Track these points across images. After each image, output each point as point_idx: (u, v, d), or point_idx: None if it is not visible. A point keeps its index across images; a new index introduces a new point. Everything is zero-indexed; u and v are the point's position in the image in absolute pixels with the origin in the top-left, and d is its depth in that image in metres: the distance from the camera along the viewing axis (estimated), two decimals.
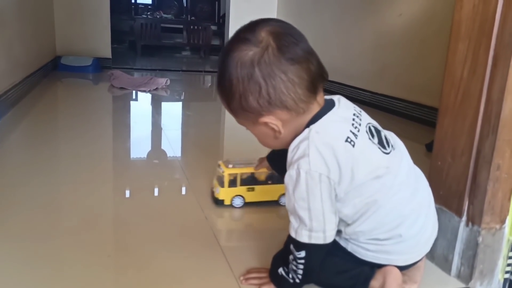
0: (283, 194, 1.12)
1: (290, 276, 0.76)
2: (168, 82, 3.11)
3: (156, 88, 2.98)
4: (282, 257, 0.78)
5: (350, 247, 0.77)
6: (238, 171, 1.13)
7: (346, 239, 0.77)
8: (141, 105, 2.72)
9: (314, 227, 0.71)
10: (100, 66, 3.61)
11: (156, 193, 1.24)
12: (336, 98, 0.77)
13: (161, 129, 2.05)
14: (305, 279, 0.75)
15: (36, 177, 1.29)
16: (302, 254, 0.72)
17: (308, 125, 0.72)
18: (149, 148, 1.77)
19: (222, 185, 1.12)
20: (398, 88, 2.46)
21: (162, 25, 5.55)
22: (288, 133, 0.74)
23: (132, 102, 2.76)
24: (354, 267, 0.77)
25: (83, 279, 0.81)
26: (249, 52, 0.68)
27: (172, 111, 2.65)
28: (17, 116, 1.98)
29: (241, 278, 0.82)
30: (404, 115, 2.33)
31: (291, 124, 0.73)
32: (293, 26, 0.72)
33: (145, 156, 1.64)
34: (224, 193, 1.13)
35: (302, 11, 3.63)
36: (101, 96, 2.87)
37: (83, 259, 0.87)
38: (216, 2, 6.47)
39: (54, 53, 3.52)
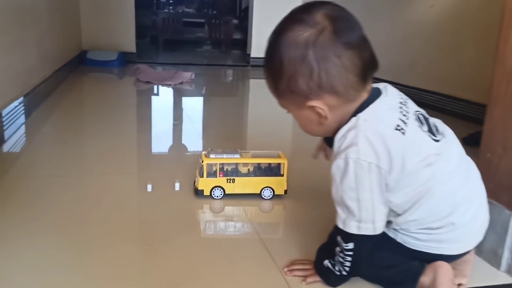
0: (266, 187, 1.12)
1: (337, 268, 0.75)
2: (193, 76, 3.12)
3: (181, 82, 2.98)
4: (327, 249, 0.77)
5: (399, 238, 0.75)
6: (217, 160, 1.09)
7: (395, 230, 0.76)
8: (166, 99, 2.73)
9: (363, 218, 0.69)
10: (125, 60, 3.64)
11: (186, 186, 1.24)
12: (382, 85, 0.75)
13: (187, 122, 2.05)
14: (352, 271, 0.74)
15: (67, 168, 1.30)
16: (350, 245, 0.71)
17: (355, 113, 0.71)
18: (180, 141, 1.78)
19: (201, 175, 1.10)
20: (429, 80, 2.41)
21: (184, 19, 5.56)
22: (333, 120, 0.72)
23: (157, 96, 2.77)
24: (403, 261, 0.75)
25: (131, 266, 0.81)
26: (304, 33, 0.67)
27: (197, 105, 2.65)
28: (47, 109, 2.01)
29: (285, 269, 0.81)
30: (436, 108, 2.28)
31: (338, 111, 0.71)
32: (349, 12, 0.70)
33: (173, 149, 1.64)
34: (203, 183, 1.10)
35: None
36: (127, 90, 2.89)
37: (126, 247, 0.88)
38: None
39: (80, 48, 3.56)
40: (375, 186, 0.69)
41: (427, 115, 0.77)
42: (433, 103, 2.32)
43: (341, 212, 0.72)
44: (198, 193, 1.10)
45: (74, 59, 3.23)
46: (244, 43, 5.26)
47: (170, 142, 1.74)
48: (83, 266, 0.81)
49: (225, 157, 1.10)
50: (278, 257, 0.86)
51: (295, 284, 0.78)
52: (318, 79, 0.67)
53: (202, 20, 5.80)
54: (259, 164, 1.12)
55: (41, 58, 2.18)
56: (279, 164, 1.12)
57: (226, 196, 1.11)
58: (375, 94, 0.73)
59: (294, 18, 0.69)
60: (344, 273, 0.74)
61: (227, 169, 1.11)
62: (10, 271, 0.78)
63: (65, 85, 2.61)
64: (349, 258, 0.72)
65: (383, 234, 0.74)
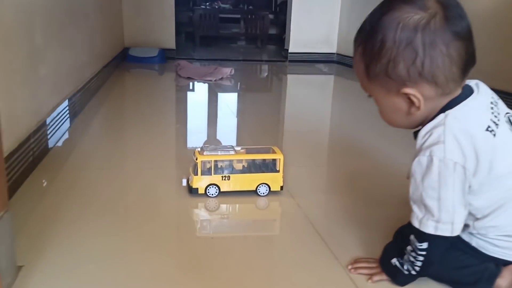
0: (262, 184, 1.10)
1: (405, 267, 0.74)
2: (233, 71, 3.13)
3: (221, 78, 3.00)
4: (395, 247, 0.76)
5: (475, 242, 0.74)
6: (212, 158, 1.07)
7: (470, 234, 0.74)
8: (205, 94, 2.75)
9: (443, 218, 0.68)
10: (165, 57, 3.70)
11: None
12: (474, 83, 0.72)
13: (225, 117, 2.07)
14: (422, 271, 0.73)
15: (109, 162, 1.34)
16: (424, 245, 0.70)
17: (443, 109, 0.69)
18: (215, 136, 1.79)
19: (195, 173, 1.07)
20: (481, 75, 2.33)
21: (220, 15, 5.59)
22: (423, 113, 0.69)
23: (196, 92, 2.80)
24: (478, 262, 0.73)
25: (192, 258, 0.83)
26: (415, 16, 0.64)
27: (235, 100, 2.66)
28: (96, 104, 2.07)
29: (349, 267, 0.81)
30: None
31: (430, 104, 0.68)
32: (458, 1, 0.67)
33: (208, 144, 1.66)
34: (197, 181, 1.07)
35: None
36: (167, 85, 2.94)
37: (183, 240, 0.89)
38: None
39: (123, 45, 3.64)
40: (458, 187, 0.67)
41: None
42: None
43: (417, 211, 0.70)
44: (193, 191, 1.07)
45: (118, 55, 3.31)
46: (279, 38, 5.26)
47: (206, 137, 1.76)
48: (149, 256, 0.83)
49: (219, 154, 1.08)
50: (340, 255, 0.85)
51: (361, 282, 0.78)
52: (421, 66, 0.65)
53: (238, 16, 5.81)
54: (254, 160, 1.11)
55: (91, 55, 2.24)
56: (274, 159, 1.11)
57: (221, 193, 1.09)
58: (467, 91, 0.70)
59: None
60: (413, 272, 0.73)
61: (221, 166, 1.09)
62: (82, 261, 0.81)
63: (111, 81, 2.68)
64: (421, 258, 0.71)
65: (459, 237, 0.72)
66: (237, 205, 1.08)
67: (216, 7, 6.03)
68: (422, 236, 0.70)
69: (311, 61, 4.07)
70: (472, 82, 0.72)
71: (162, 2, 3.79)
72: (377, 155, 1.48)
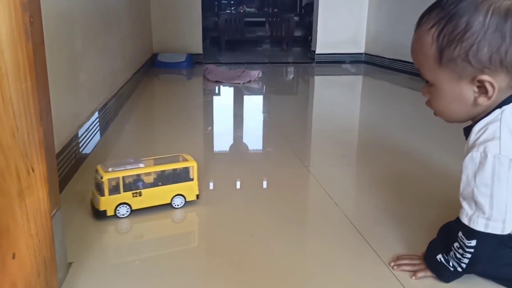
0: (177, 195, 1.02)
1: (451, 264, 0.73)
2: (260, 74, 3.15)
3: (249, 81, 3.02)
4: (441, 244, 0.75)
5: None
6: (120, 174, 0.96)
7: None
8: (233, 98, 2.77)
9: (494, 216, 0.67)
10: (192, 61, 3.75)
11: (275, 181, 1.26)
12: None
13: (252, 120, 2.08)
14: (469, 269, 0.72)
15: None
16: (473, 243, 0.69)
17: (499, 105, 0.68)
18: (241, 140, 1.80)
19: (102, 193, 0.95)
20: None
21: (245, 19, 5.63)
22: (489, 104, 0.68)
23: (224, 95, 2.82)
24: None
25: (236, 256, 0.84)
26: (506, 1, 0.63)
27: (263, 103, 2.67)
28: (129, 108, 2.12)
29: (392, 264, 0.80)
30: None
31: (499, 95, 0.67)
32: None
33: (234, 148, 1.67)
34: (105, 203, 0.95)
35: None
36: (195, 89, 2.98)
37: (224, 240, 0.91)
38: None
39: (152, 51, 3.72)
40: (510, 186, 0.65)
41: None
42: None
43: (467, 207, 0.69)
44: (100, 214, 0.95)
45: (148, 61, 3.38)
46: (305, 40, 5.25)
47: (232, 141, 1.77)
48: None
49: (127, 168, 0.97)
50: (382, 252, 0.85)
51: (404, 279, 0.77)
52: (504, 54, 0.63)
53: (263, 19, 5.84)
54: (164, 171, 1.00)
55: (124, 62, 2.30)
56: (187, 168, 1.03)
57: (133, 212, 0.99)
58: None
59: None
60: (459, 269, 0.72)
61: (129, 181, 0.97)
62: (126, 257, 0.83)
63: (142, 87, 2.74)
64: (468, 255, 0.70)
65: (510, 234, 0.70)
66: (151, 223, 0.98)
67: (241, 11, 6.08)
68: (472, 233, 0.69)
69: (338, 62, 4.05)
70: None
71: (189, 8, 3.85)
72: (411, 154, 1.46)
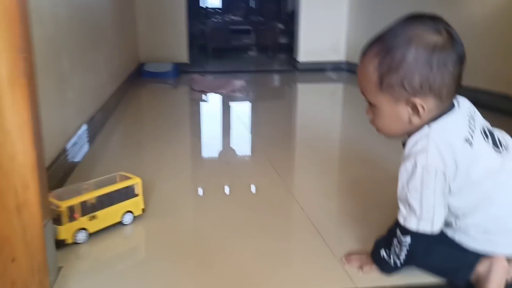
0: (126, 212, 1.07)
1: (392, 258, 0.84)
2: (244, 83, 3.27)
3: (233, 90, 3.14)
4: (385, 241, 0.87)
5: (458, 238, 0.84)
6: (77, 200, 0.98)
7: (454, 230, 0.84)
8: (217, 107, 2.88)
9: (424, 217, 0.79)
10: (179, 71, 3.85)
11: (246, 187, 1.37)
12: (455, 99, 0.83)
13: (237, 128, 2.19)
14: (406, 262, 0.84)
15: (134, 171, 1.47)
16: (408, 239, 0.81)
17: (428, 123, 0.80)
18: (229, 146, 1.92)
19: (59, 222, 0.95)
20: (482, 79, 2.41)
21: (231, 27, 5.76)
22: (420, 122, 0.79)
23: (209, 104, 2.93)
24: (460, 254, 0.83)
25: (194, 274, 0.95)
26: (433, 37, 0.74)
27: (247, 111, 2.79)
28: (116, 120, 2.22)
29: (343, 259, 0.92)
30: (489, 107, 2.27)
31: (429, 115, 0.79)
32: None
33: (223, 154, 1.78)
34: (66, 231, 0.96)
35: (375, 4, 3.62)
36: (181, 99, 3.08)
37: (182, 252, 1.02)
38: (281, 0, 6.57)
39: (138, 61, 3.82)
40: (438, 191, 0.77)
41: (491, 128, 0.85)
42: (487, 102, 2.31)
43: (403, 209, 0.81)
44: (60, 244, 0.95)
45: (134, 72, 3.48)
46: (289, 47, 5.39)
47: (220, 147, 1.88)
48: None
49: (83, 193, 1.00)
50: (336, 250, 0.97)
51: (352, 272, 0.89)
52: (433, 81, 0.75)
53: (249, 27, 5.97)
54: (116, 190, 1.05)
55: (109, 75, 2.41)
56: (133, 185, 1.09)
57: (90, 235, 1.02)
58: (449, 106, 0.81)
59: (423, 22, 0.76)
60: (398, 263, 0.84)
61: (87, 206, 1.00)
62: (112, 263, 0.94)
63: (128, 97, 2.83)
64: (405, 251, 0.82)
65: (442, 233, 0.82)
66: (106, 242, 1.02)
67: (227, 19, 6.20)
68: (406, 231, 0.81)
69: (320, 70, 4.18)
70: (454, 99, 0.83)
71: (174, 18, 3.96)
72: (379, 161, 1.58)
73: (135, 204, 1.10)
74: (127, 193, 1.08)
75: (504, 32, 2.27)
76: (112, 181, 1.09)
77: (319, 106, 2.78)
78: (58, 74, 1.43)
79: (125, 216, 1.07)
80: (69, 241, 0.98)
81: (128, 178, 1.11)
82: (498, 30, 2.31)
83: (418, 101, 0.77)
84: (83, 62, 1.79)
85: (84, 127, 1.70)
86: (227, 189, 1.35)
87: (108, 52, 2.36)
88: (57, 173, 1.29)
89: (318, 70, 4.17)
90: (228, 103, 2.85)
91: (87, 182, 1.09)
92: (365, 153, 1.68)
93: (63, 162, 1.37)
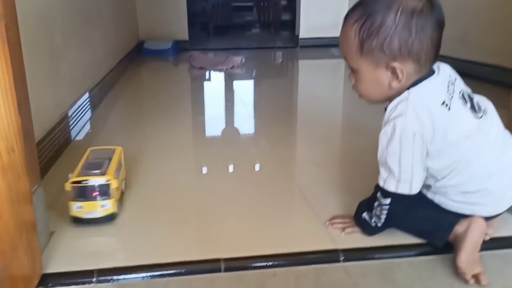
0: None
1: (373, 220, 0.87)
2: (243, 60, 3.25)
3: (232, 66, 3.13)
4: (367, 204, 0.89)
5: (437, 199, 0.86)
6: (122, 176, 1.07)
7: (433, 193, 0.86)
8: (218, 84, 2.88)
9: (402, 179, 0.80)
10: (178, 48, 3.84)
11: (240, 167, 1.39)
12: (436, 65, 0.83)
13: (239, 104, 2.20)
14: (387, 224, 0.86)
15: (131, 152, 1.49)
16: (388, 201, 0.83)
17: (408, 88, 0.81)
18: (232, 124, 1.93)
19: (108, 195, 0.95)
20: (480, 52, 2.39)
21: (233, 3, 5.69)
22: (400, 87, 0.80)
23: (209, 81, 2.93)
24: (439, 216, 0.85)
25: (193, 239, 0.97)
26: (412, 2, 0.76)
27: (248, 87, 2.79)
28: (113, 98, 2.22)
29: (327, 223, 0.94)
30: (488, 80, 2.27)
31: (408, 80, 0.80)
32: None
33: (226, 132, 1.80)
34: (114, 204, 0.97)
35: None
36: (182, 76, 3.08)
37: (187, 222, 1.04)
38: None
39: (138, 39, 3.81)
40: (417, 153, 0.79)
41: (472, 94, 0.86)
42: (485, 75, 2.30)
43: (383, 172, 0.83)
44: (113, 216, 0.97)
45: (134, 49, 3.47)
46: (292, 24, 5.33)
47: (223, 125, 1.89)
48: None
49: (108, 167, 0.99)
50: (321, 215, 0.99)
51: (335, 234, 0.91)
52: (411, 45, 0.76)
53: (251, 4, 5.89)
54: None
55: (107, 52, 2.41)
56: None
57: None
58: (430, 72, 0.82)
59: None
60: (379, 224, 0.86)
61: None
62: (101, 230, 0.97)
63: (127, 75, 2.84)
64: (385, 212, 0.84)
65: (422, 195, 0.84)
66: None
67: None
68: (386, 193, 0.83)
69: (321, 46, 4.15)
70: (435, 64, 0.83)
71: None
72: (372, 133, 1.58)
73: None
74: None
75: (502, 5, 2.24)
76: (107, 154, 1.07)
77: (320, 82, 2.77)
78: (50, 48, 1.44)
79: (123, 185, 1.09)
80: (116, 213, 0.98)
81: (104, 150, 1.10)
82: (497, 3, 2.28)
83: (397, 65, 0.78)
84: (77, 37, 1.79)
85: (80, 102, 1.72)
86: (225, 163, 1.36)
87: (104, 29, 2.36)
88: (52, 146, 1.32)
89: (320, 46, 4.14)
90: (228, 80, 2.85)
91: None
92: (360, 126, 1.69)
93: (58, 135, 1.39)
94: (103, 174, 0.96)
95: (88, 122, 1.76)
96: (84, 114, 1.74)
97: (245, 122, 1.89)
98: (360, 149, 1.43)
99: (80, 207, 0.94)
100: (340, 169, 1.27)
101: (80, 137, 1.59)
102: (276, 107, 2.10)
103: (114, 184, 0.95)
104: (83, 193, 0.94)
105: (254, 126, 1.79)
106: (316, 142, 1.55)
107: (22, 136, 0.72)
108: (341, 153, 1.42)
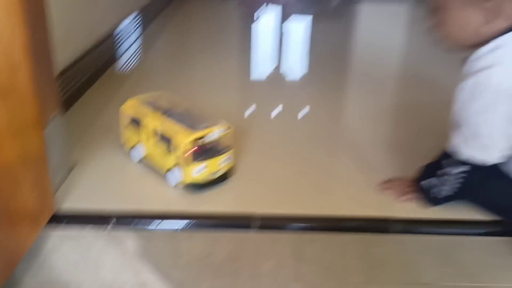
0: None
1: (440, 189, 0.72)
2: None
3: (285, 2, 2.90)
4: (433, 169, 0.74)
5: None
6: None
7: None
8: (269, 22, 2.68)
9: (481, 144, 0.66)
10: None
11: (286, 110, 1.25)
12: None
13: (289, 46, 2.02)
14: (459, 195, 0.72)
15: (175, 83, 1.37)
16: (460, 169, 0.69)
17: (495, 37, 0.64)
18: (280, 66, 1.77)
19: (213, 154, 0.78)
20: None
21: None
22: (492, 32, 0.65)
23: (260, 19, 2.73)
24: None
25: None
26: None
27: (300, 28, 2.57)
28: (158, 27, 2.10)
29: (382, 186, 0.80)
30: None
31: (503, 23, 0.64)
32: None
33: (274, 74, 1.64)
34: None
35: None
36: (231, 13, 2.90)
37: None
38: None
39: None
40: (503, 116, 0.64)
41: None
42: None
43: (457, 135, 0.68)
44: (221, 179, 0.80)
45: None
46: None
47: (270, 67, 1.72)
48: None
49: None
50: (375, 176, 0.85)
51: (389, 201, 0.77)
52: None
53: None
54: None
55: None
56: None
57: None
58: None
59: None
60: (446, 194, 0.72)
61: None
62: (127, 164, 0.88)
63: (172, 7, 2.69)
64: (457, 181, 0.70)
65: (501, 167, 0.70)
66: None
67: None
68: (459, 160, 0.68)
69: None
70: None
71: None
72: (439, 86, 1.39)
73: None
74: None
75: None
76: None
77: (381, 29, 2.50)
78: None
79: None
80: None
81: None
82: None
83: (491, 6, 0.63)
84: None
85: (121, 26, 1.61)
86: (271, 108, 1.22)
87: None
88: (83, 73, 1.22)
89: None
90: (280, 18, 2.64)
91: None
92: (425, 79, 1.47)
93: (89, 63, 1.29)
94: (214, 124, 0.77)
95: (127, 50, 1.65)
96: (124, 41, 1.63)
97: (297, 67, 1.71)
98: (424, 105, 1.25)
99: (204, 168, 0.76)
100: (399, 126, 1.11)
101: (114, 67, 1.49)
102: (332, 53, 1.88)
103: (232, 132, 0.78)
104: (204, 151, 0.76)
105: (305, 73, 1.62)
106: (373, 93, 1.36)
107: (28, 53, 0.61)
108: (401, 108, 1.25)
